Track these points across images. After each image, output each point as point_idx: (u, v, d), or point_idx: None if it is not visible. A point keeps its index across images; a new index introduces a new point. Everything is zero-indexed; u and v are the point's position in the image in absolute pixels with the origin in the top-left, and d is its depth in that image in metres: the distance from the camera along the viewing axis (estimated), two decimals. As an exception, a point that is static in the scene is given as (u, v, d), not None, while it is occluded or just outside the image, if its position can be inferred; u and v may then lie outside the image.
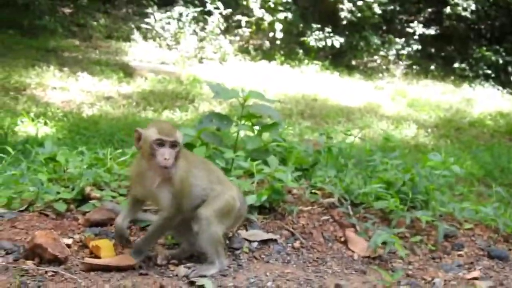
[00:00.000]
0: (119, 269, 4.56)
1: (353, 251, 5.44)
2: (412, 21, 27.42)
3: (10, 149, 8.60)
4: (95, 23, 24.85)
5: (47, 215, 5.38)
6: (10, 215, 5.31)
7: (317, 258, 5.31)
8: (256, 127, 6.77)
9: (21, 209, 5.48)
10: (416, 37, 26.79)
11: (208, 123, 6.62)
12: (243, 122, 6.69)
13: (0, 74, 18.65)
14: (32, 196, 5.63)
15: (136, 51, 23.27)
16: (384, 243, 5.41)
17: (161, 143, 4.48)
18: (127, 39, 24.26)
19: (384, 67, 26.21)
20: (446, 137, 19.16)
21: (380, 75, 25.65)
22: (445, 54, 27.60)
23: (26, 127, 14.55)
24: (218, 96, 6.61)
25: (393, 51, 26.30)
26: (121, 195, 5.74)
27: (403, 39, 26.54)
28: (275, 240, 5.38)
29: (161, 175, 4.53)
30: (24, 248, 4.67)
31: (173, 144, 4.50)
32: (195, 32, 24.41)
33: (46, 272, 4.41)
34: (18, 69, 19.30)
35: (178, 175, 4.60)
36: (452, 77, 26.22)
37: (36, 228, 5.08)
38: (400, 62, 26.34)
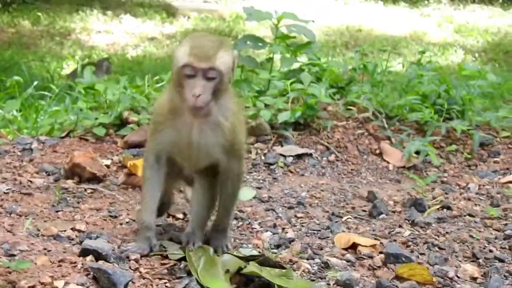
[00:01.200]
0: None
1: (388, 162, 5.49)
2: None
3: (54, 87, 8.82)
4: (136, -35, 24.87)
5: (87, 140, 5.52)
6: (52, 141, 5.46)
7: (351, 170, 5.38)
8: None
9: (62, 135, 5.64)
10: (461, -40, 26.14)
11: (243, 45, 6.64)
12: (277, 43, 6.69)
13: (45, 20, 18.89)
14: (73, 123, 5.78)
15: (178, -9, 23.27)
16: (419, 152, 5.44)
17: (190, 71, 3.22)
18: (169, -21, 24.24)
19: (429, -7, 25.73)
20: (494, 61, 18.84)
21: (426, 2, 25.16)
22: (492, -23, 26.94)
23: (71, 70, 14.76)
24: (252, 17, 6.62)
25: (439, -24, 25.75)
26: (158, 118, 5.83)
27: (449, -37, 25.93)
28: (310, 155, 5.45)
29: (194, 118, 3.32)
30: (64, 169, 4.82)
31: (209, 74, 3.23)
32: (235, -32, 24.27)
33: (85, 189, 4.57)
34: (62, 15, 19.51)
35: (230, 119, 3.43)
36: (500, 0, 25.61)
37: (76, 151, 5.23)
38: (447, -12, 25.80)
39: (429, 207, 4.59)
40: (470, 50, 19.69)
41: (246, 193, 4.69)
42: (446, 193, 4.94)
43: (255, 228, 4.13)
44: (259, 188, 4.87)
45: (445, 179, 5.30)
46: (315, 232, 4.14)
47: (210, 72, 3.21)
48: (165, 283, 3.20)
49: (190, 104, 3.19)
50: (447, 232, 4.23)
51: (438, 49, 19.30)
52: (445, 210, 4.59)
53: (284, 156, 5.38)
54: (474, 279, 3.65)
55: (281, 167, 5.26)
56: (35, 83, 8.62)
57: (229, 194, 3.64)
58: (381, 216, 4.45)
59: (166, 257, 3.44)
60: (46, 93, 8.55)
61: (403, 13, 23.50)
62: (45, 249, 3.25)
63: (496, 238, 4.19)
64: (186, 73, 3.20)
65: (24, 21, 18.71)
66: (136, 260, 3.33)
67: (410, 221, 4.35)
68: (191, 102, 3.17)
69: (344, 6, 23.54)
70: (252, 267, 3.26)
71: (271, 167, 5.26)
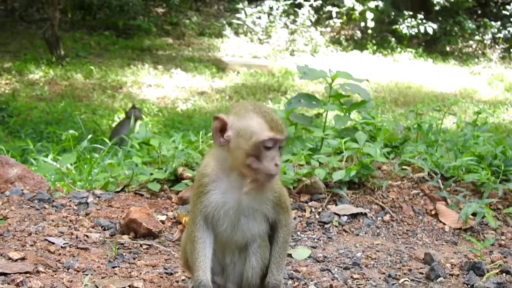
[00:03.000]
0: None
1: (444, 223, 5.41)
2: (508, 3, 26.65)
3: (107, 140, 8.96)
4: (187, 21, 25.33)
5: (141, 195, 5.56)
6: (107, 195, 5.51)
7: (407, 230, 5.30)
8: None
9: (117, 190, 5.68)
10: (512, 19, 26.06)
11: (297, 103, 6.66)
12: (331, 101, 6.70)
13: (98, 74, 19.24)
14: (127, 178, 5.83)
15: (228, 46, 23.59)
16: (475, 214, 5.36)
17: (271, 144, 3.32)
18: (219, 35, 24.60)
19: (480, 51, 25.65)
20: (547, 120, 18.64)
21: (476, 60, 25.10)
22: (544, 36, 26.77)
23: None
24: (306, 76, 6.65)
25: (489, 35, 25.70)
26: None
27: (499, 22, 25.86)
28: (365, 214, 5.40)
29: (262, 184, 3.42)
30: (120, 224, 4.85)
31: (282, 144, 3.40)
32: (286, 25, 24.54)
33: (141, 245, 4.58)
34: (114, 69, 19.87)
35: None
36: (552, 59, 25.45)
37: (132, 207, 5.25)
38: (497, 46, 25.71)
39: (487, 271, 4.49)
40: (522, 108, 19.55)
41: (301, 253, 4.67)
42: (505, 257, 4.84)
43: (311, 289, 4.09)
44: (314, 247, 4.83)
45: (503, 242, 5.20)
46: (372, 294, 4.09)
47: (283, 142, 3.37)
48: None
49: (272, 173, 3.31)
50: (507, 298, 4.14)
51: (489, 107, 19.17)
52: (504, 274, 4.49)
53: (339, 215, 5.33)
54: None
55: (336, 226, 5.21)
56: (89, 136, 8.77)
57: (280, 247, 3.61)
58: (439, 280, 4.37)
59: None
60: (99, 146, 8.68)
61: (452, 71, 23.46)
62: (104, 306, 3.25)
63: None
64: (267, 146, 3.30)
65: (77, 74, 19.09)
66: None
67: (469, 286, 4.27)
68: (274, 171, 3.30)
69: (393, 63, 23.59)
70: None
71: (326, 226, 5.21)
